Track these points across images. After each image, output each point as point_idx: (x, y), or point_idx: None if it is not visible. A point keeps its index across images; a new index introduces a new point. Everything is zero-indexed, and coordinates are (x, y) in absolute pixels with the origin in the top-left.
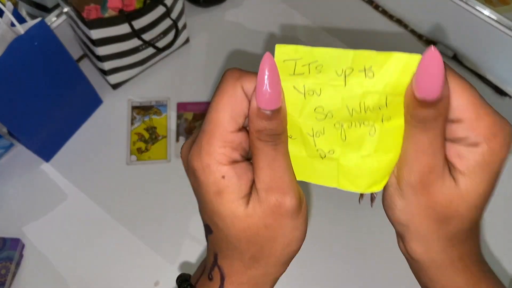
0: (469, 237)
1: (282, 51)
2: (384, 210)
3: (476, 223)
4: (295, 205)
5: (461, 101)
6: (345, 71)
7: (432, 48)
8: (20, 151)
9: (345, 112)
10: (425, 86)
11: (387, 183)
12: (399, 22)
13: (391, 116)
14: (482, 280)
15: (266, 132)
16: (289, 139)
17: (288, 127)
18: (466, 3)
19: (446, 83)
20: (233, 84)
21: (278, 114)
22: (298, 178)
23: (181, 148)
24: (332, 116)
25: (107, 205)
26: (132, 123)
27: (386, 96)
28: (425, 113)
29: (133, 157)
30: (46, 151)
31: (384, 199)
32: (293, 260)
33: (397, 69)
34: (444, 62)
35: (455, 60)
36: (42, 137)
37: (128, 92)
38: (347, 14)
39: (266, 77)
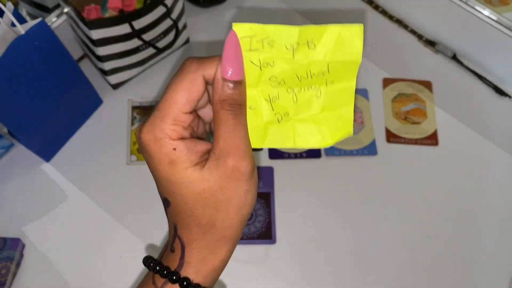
0: None
1: (239, 29)
2: None
3: None
4: (250, 170)
5: None
6: (293, 46)
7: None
8: (20, 151)
9: (295, 79)
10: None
11: None
12: (399, 22)
13: (334, 80)
14: None
15: (229, 101)
16: (249, 110)
17: (248, 97)
18: (466, 3)
19: None
20: (195, 71)
21: (240, 85)
22: (259, 146)
23: (136, 130)
24: (285, 83)
25: (107, 205)
26: (132, 123)
27: (327, 63)
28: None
29: (133, 157)
30: (47, 151)
31: None
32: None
33: (333, 39)
34: None
35: (455, 60)
36: (42, 137)
37: (128, 92)
38: (347, 14)
39: (231, 52)
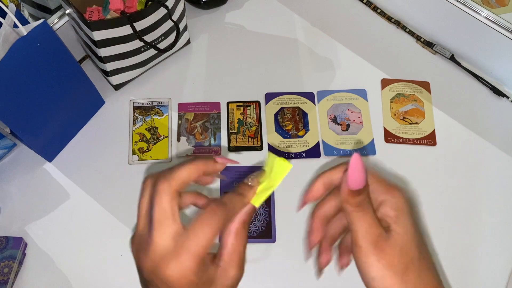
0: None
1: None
2: None
3: (419, 253)
4: None
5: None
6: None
7: (355, 155)
8: (23, 151)
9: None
10: (354, 180)
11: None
12: (398, 23)
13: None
14: None
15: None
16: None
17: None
18: (464, 4)
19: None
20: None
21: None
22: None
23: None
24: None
25: (109, 204)
26: (134, 123)
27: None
28: (359, 199)
29: (135, 157)
30: (49, 151)
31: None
32: None
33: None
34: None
35: (452, 61)
36: (44, 137)
37: (130, 92)
38: (346, 16)
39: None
